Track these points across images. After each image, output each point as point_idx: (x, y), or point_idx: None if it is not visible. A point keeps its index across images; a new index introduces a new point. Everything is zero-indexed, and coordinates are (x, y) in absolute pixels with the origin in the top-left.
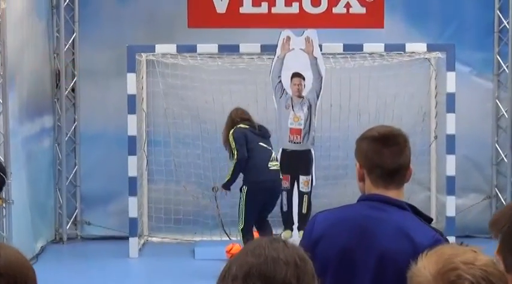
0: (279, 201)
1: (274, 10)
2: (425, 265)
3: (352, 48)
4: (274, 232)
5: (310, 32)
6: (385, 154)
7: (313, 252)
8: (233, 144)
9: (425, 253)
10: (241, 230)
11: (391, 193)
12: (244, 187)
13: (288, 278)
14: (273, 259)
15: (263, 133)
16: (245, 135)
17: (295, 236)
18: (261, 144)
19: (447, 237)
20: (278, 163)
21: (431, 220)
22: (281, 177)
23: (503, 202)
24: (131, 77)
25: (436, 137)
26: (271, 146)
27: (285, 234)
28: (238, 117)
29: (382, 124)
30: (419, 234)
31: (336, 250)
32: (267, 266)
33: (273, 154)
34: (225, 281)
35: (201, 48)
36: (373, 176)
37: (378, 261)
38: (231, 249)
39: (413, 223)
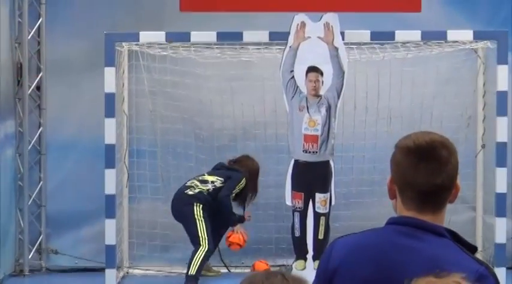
0: (289, 225)
1: None
2: None
3: (382, 37)
4: (285, 263)
5: (330, 17)
6: (419, 171)
7: None
8: None
9: None
10: None
11: (427, 218)
12: None
13: None
14: None
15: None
16: None
17: (310, 267)
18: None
19: (496, 268)
20: (201, 186)
21: (476, 249)
22: (191, 202)
23: None
24: (110, 72)
25: (483, 146)
26: (221, 175)
27: (297, 265)
28: None
29: (425, 131)
30: (459, 268)
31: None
32: None
33: (202, 177)
34: None
35: (196, 36)
36: (404, 196)
37: None
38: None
39: (452, 253)
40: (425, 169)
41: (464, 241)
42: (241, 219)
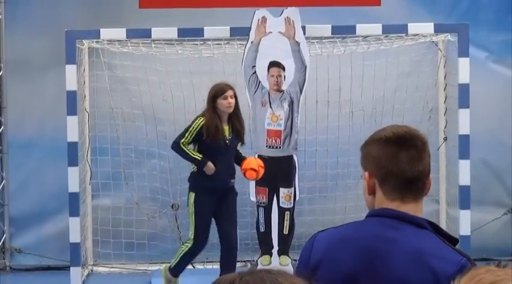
0: (255, 220)
1: None
2: None
3: (343, 31)
4: (250, 259)
5: (291, 11)
6: (402, 159)
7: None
8: None
9: (458, 279)
10: None
11: (409, 207)
12: None
13: None
14: None
15: None
16: None
17: (275, 263)
18: None
19: None
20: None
21: (457, 241)
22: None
23: None
24: (71, 69)
25: (445, 139)
26: None
27: (262, 260)
28: None
29: (394, 124)
30: (441, 259)
31: (340, 277)
32: None
33: None
34: None
35: (157, 32)
36: (387, 187)
37: None
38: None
39: (434, 245)
40: (407, 156)
41: (444, 233)
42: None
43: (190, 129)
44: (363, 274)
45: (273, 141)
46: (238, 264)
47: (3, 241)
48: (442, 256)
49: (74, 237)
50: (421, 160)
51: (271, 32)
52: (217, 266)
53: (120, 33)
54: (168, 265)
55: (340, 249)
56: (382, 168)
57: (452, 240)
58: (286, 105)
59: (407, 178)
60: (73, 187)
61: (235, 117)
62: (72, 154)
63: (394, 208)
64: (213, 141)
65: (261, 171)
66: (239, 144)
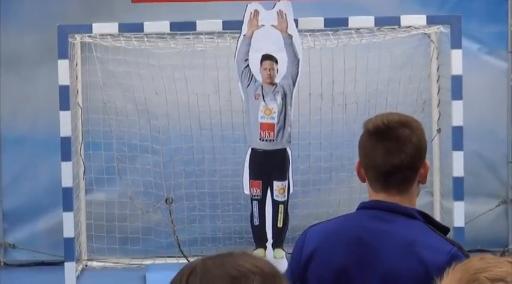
0: (247, 214)
1: None
2: None
3: (335, 23)
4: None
5: (283, 4)
6: (377, 151)
7: (305, 274)
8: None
9: (452, 267)
10: None
11: (395, 199)
12: None
13: None
14: None
15: None
16: None
17: (269, 256)
18: None
19: None
20: None
21: (448, 230)
22: None
23: None
24: (63, 64)
25: (439, 130)
26: None
27: (256, 253)
28: None
29: (390, 112)
30: (431, 249)
31: (331, 270)
32: None
33: None
34: None
35: (149, 26)
36: (369, 178)
37: None
38: None
39: (424, 235)
40: (382, 149)
41: (436, 223)
42: None
43: None
44: (353, 266)
45: (267, 134)
46: None
47: None
48: (432, 246)
49: (68, 232)
50: (398, 153)
51: (263, 25)
52: None
53: (112, 27)
54: None
55: (330, 242)
56: (364, 158)
57: (443, 229)
58: (279, 98)
59: (382, 171)
60: (66, 182)
61: None
62: (65, 149)
63: (381, 199)
64: None
65: None
66: None
